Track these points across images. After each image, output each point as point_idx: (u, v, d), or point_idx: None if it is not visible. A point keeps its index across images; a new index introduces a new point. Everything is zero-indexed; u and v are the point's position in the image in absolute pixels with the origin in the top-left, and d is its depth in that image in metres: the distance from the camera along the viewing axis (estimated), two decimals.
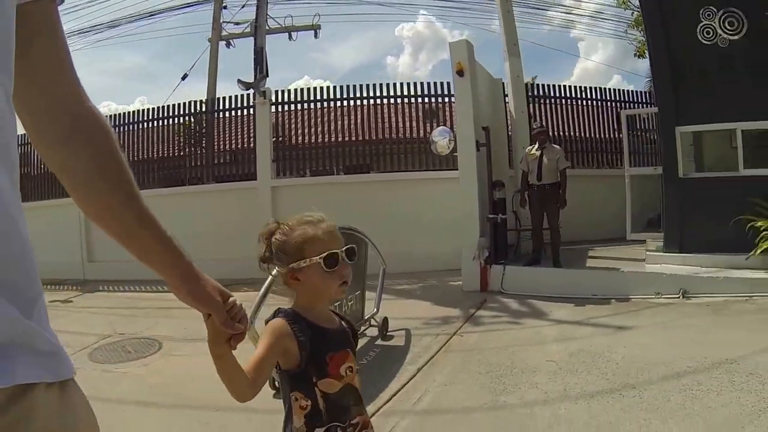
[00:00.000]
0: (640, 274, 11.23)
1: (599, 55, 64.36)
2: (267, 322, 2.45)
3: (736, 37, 11.93)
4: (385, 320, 8.82)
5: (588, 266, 12.56)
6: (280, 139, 17.54)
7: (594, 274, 11.68)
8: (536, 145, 12.39)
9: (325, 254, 2.38)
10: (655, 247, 12.22)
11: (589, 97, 19.03)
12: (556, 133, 17.64)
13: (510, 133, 16.03)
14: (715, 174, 12.15)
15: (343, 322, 2.65)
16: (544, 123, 15.40)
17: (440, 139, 12.03)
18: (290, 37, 20.74)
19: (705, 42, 12.09)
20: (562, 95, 18.83)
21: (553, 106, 18.50)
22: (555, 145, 12.99)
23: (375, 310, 8.91)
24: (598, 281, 11.14)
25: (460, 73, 12.59)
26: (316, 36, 20.98)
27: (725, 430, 5.06)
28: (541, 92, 18.31)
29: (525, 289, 11.13)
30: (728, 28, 11.95)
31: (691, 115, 11.92)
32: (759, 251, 10.10)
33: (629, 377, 6.44)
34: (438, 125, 14.98)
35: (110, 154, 1.66)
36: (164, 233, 1.74)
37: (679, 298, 10.05)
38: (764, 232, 10.23)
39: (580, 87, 18.73)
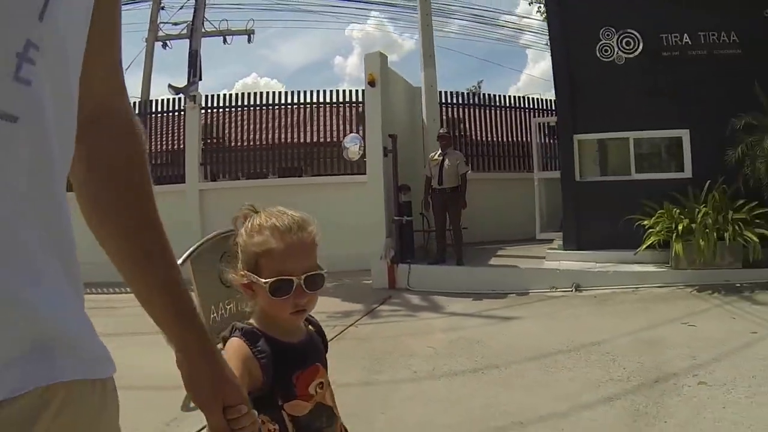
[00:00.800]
0: (539, 270, 11.99)
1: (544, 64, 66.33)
2: (224, 340, 2.13)
3: (631, 56, 13.02)
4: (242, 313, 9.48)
5: (491, 264, 13.14)
6: (214, 141, 17.85)
7: (495, 271, 12.35)
8: (439, 151, 13.01)
9: (272, 280, 2.00)
10: (557, 246, 13.09)
11: (502, 104, 19.88)
12: (471, 138, 18.62)
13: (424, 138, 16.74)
14: (610, 178, 13.18)
15: (311, 327, 2.34)
16: (460, 129, 16.17)
17: (351, 145, 12.58)
18: (225, 41, 21.04)
19: (603, 59, 13.13)
20: (476, 102, 19.72)
21: (467, 113, 19.29)
22: (456, 151, 13.66)
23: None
24: (499, 278, 11.82)
25: (371, 83, 13.24)
26: (249, 41, 21.23)
27: (564, 398, 5.80)
28: (455, 100, 19.06)
29: (429, 286, 11.70)
30: (625, 47, 13.04)
31: (587, 124, 12.89)
32: (644, 247, 11.13)
33: (497, 359, 7.13)
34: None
35: (132, 166, 1.45)
36: (181, 297, 1.48)
37: (571, 291, 10.88)
38: (650, 230, 11.24)
39: (493, 95, 19.61)
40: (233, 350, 2.02)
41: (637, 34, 13.11)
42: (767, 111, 11.23)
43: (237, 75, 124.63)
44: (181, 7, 21.28)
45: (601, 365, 6.72)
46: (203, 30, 18.69)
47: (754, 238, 10.58)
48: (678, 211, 11.44)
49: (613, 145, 13.77)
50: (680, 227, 11.01)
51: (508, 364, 6.87)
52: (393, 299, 11.26)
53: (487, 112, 19.62)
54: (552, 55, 14.26)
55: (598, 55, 13.22)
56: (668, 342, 7.52)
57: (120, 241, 1.40)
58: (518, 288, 11.29)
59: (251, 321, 2.13)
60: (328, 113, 17.96)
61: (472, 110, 19.61)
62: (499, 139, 19.55)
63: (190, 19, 18.42)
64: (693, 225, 11.01)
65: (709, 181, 11.83)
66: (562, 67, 13.70)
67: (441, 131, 13.82)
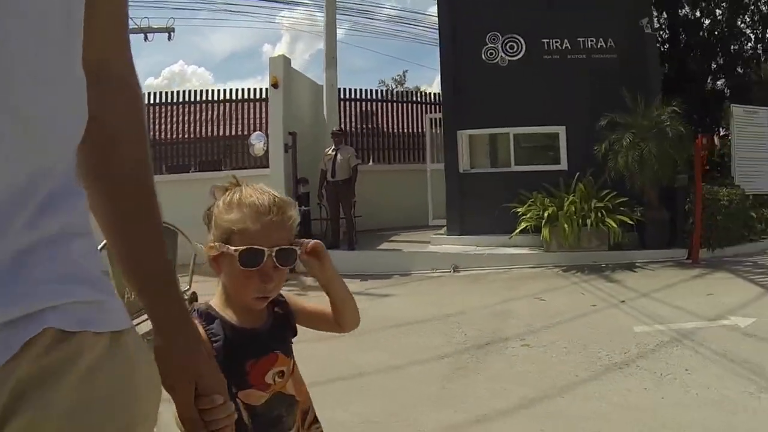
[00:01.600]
0: (422, 254, 12.87)
1: None
2: None
3: (515, 59, 14.00)
4: (194, 294, 10.30)
5: (380, 248, 13.95)
6: None
7: (383, 255, 13.22)
8: (333, 146, 13.81)
9: (243, 248, 1.86)
10: (443, 231, 13.98)
11: (400, 100, 21.08)
12: (369, 131, 19.81)
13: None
14: (491, 170, 14.28)
15: (277, 308, 2.14)
16: (368, 123, 16.99)
17: (256, 142, 13.21)
18: (146, 38, 21.41)
19: (488, 61, 14.08)
20: (374, 98, 20.64)
21: (366, 108, 20.30)
22: (348, 147, 14.47)
23: (188, 287, 10.39)
24: (386, 260, 12.66)
25: (274, 85, 13.89)
26: (169, 38, 21.51)
27: (403, 356, 6.64)
28: (355, 96, 19.95)
29: None
30: (509, 50, 14.00)
31: (471, 120, 13.79)
32: (517, 231, 12.15)
33: (361, 328, 7.92)
34: None
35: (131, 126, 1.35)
36: (156, 264, 1.38)
37: (450, 272, 11.75)
38: (523, 216, 12.25)
39: (391, 91, 20.65)
40: None
41: (521, 39, 14.04)
42: (631, 110, 12.23)
43: (163, 63, 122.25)
44: None
45: (447, 332, 7.51)
46: None
47: (613, 224, 11.67)
48: (548, 199, 12.47)
49: (495, 139, 14.76)
50: (546, 214, 12.03)
51: (369, 332, 7.52)
52: (290, 281, 11.80)
53: (383, 107, 20.71)
54: (441, 56, 15.07)
55: (484, 57, 14.14)
56: (515, 313, 8.39)
57: (106, 202, 1.32)
58: (402, 269, 12.08)
59: (210, 302, 2.02)
60: (246, 109, 18.69)
61: (374, 105, 20.56)
62: (401, 131, 20.54)
63: None
64: (559, 212, 12.04)
65: (578, 173, 12.87)
66: (450, 67, 14.61)
67: (334, 129, 14.57)
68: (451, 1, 14.82)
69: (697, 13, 21.45)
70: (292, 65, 15.39)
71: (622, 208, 12.28)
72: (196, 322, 1.76)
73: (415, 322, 8.10)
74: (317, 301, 2.30)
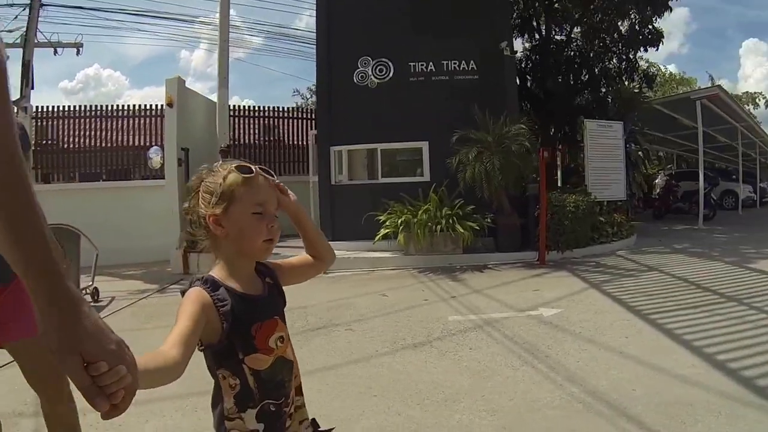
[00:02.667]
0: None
1: None
2: (183, 293, 2.04)
3: (384, 80, 15.04)
4: (96, 290, 10.86)
5: None
6: (48, 142, 18.90)
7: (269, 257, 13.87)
8: (220, 161, 14.53)
9: (257, 197, 2.09)
10: None
11: (288, 115, 22.33)
12: (269, 143, 21.13)
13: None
14: (360, 182, 15.27)
15: (268, 279, 2.26)
16: (260, 138, 17.89)
17: (154, 156, 14.04)
18: (55, 53, 21.85)
19: (359, 84, 15.12)
20: (264, 115, 21.94)
21: (256, 123, 21.62)
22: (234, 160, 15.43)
23: (91, 283, 11.05)
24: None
25: (169, 105, 14.75)
26: (78, 53, 22.02)
27: None
28: (246, 112, 21.44)
29: None
30: (378, 73, 15.03)
31: (343, 137, 14.78)
32: (379, 237, 13.18)
33: None
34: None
35: None
36: (25, 238, 1.33)
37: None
38: (383, 224, 13.31)
39: (281, 107, 21.82)
40: (192, 296, 1.96)
41: (390, 63, 15.12)
42: (480, 126, 13.31)
43: (78, 65, 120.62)
44: (15, 17, 21.88)
45: (293, 319, 8.14)
46: (36, 41, 19.55)
47: (461, 230, 12.75)
48: (405, 208, 13.52)
49: (364, 154, 15.74)
50: (399, 222, 13.11)
51: None
52: (183, 280, 12.46)
53: (271, 122, 22.09)
54: (317, 78, 16.08)
55: (355, 80, 15.18)
56: (355, 306, 9.32)
57: None
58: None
59: (211, 273, 2.09)
60: (154, 121, 19.18)
61: (274, 120, 22.00)
62: (298, 144, 21.68)
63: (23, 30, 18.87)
64: (413, 219, 13.08)
65: (435, 184, 13.96)
66: (324, 88, 15.69)
67: (222, 146, 15.14)
68: (327, 28, 15.73)
69: (563, 35, 23.17)
70: (209, 71, 16.18)
71: (474, 215, 13.29)
72: (201, 288, 1.97)
73: None
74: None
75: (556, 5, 22.77)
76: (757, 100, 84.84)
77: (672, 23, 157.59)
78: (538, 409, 4.93)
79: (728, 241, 17.15)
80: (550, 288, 10.17)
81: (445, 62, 15.26)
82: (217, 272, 2.09)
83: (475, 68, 15.30)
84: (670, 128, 29.00)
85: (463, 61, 15.27)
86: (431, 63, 15.27)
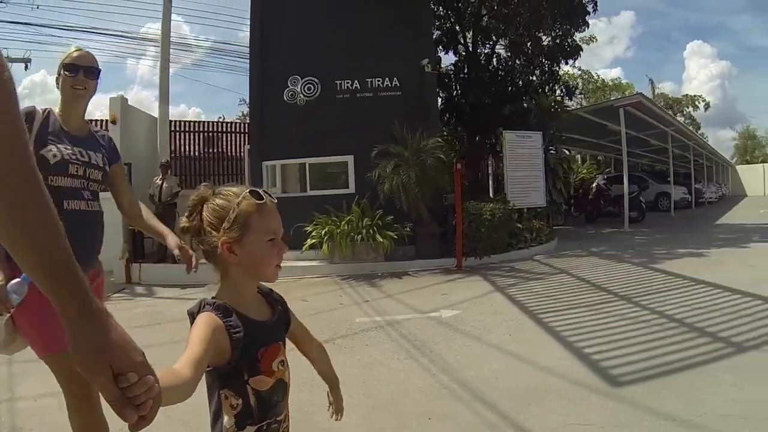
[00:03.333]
0: None
1: None
2: (191, 314, 2.07)
3: (312, 98, 15.71)
4: None
5: (201, 262, 14.75)
6: None
7: (202, 267, 14.00)
8: (160, 175, 15.24)
9: (272, 225, 2.15)
10: None
11: (228, 129, 23.11)
12: (197, 156, 21.61)
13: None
14: (291, 194, 15.84)
15: (276, 305, 2.34)
16: (203, 150, 18.40)
17: None
18: None
19: (289, 101, 15.78)
20: (205, 129, 22.64)
21: (198, 137, 22.13)
22: (173, 176, 15.97)
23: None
24: (204, 271, 13.53)
25: (113, 122, 15.37)
26: (26, 68, 22.39)
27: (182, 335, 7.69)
28: (187, 127, 21.99)
29: (156, 279, 13.61)
30: (307, 91, 15.71)
31: (274, 152, 15.38)
32: (306, 247, 13.74)
33: (160, 318, 9.65)
34: None
35: None
36: (52, 251, 1.33)
37: None
38: (311, 234, 13.87)
39: (222, 121, 22.51)
40: (204, 320, 1.96)
41: (317, 81, 15.76)
42: (399, 141, 14.00)
43: (26, 72, 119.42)
44: None
45: None
46: None
47: (381, 239, 13.38)
48: (330, 220, 14.12)
49: (295, 168, 16.43)
50: (323, 232, 13.72)
51: (166, 322, 9.26)
52: (125, 290, 13.10)
53: (210, 136, 22.68)
54: (249, 95, 16.81)
55: (285, 98, 15.81)
56: None
57: None
58: (216, 281, 13.17)
59: (218, 297, 2.12)
60: None
61: (215, 134, 22.58)
62: (239, 156, 22.04)
63: None
64: (336, 230, 13.68)
65: (358, 196, 14.58)
66: (257, 105, 16.32)
67: (162, 161, 15.87)
68: (260, 48, 16.40)
69: (487, 49, 24.12)
70: (155, 79, 16.68)
71: (394, 225, 13.91)
72: (213, 313, 1.97)
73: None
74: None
75: (483, 21, 23.62)
76: (696, 103, 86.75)
77: (618, 27, 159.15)
78: (408, 394, 5.54)
79: (645, 242, 17.98)
80: (458, 292, 10.77)
81: (369, 80, 15.93)
82: (225, 296, 2.13)
83: (398, 85, 15.98)
84: (604, 134, 30.05)
85: (387, 79, 15.95)
86: (356, 81, 15.93)
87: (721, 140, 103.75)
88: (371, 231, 13.71)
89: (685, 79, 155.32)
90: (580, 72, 46.50)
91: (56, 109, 3.63)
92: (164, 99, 17.18)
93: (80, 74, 3.56)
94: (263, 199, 2.10)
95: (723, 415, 4.67)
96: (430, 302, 9.95)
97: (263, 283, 2.33)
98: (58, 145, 3.45)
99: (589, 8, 22.99)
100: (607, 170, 45.46)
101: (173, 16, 18.04)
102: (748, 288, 9.57)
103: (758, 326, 7.37)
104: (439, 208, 14.51)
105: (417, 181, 13.60)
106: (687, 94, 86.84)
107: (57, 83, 3.65)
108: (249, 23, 17.16)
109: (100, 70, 3.72)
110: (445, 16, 23.88)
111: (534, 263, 14.16)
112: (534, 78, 24.33)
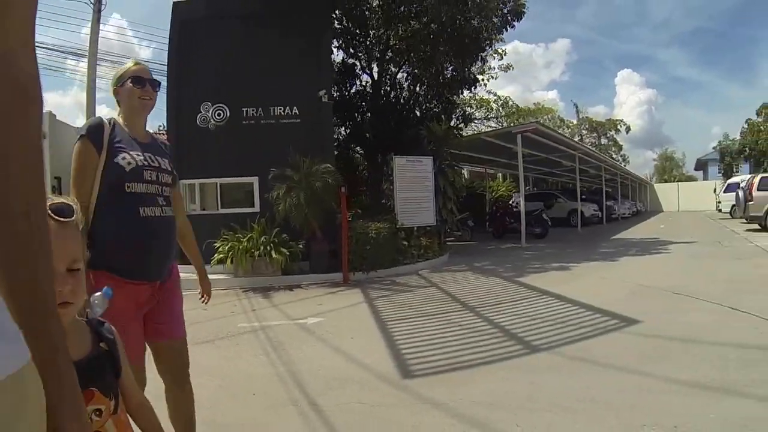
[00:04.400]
0: None
1: None
2: None
3: (221, 123, 16.93)
4: None
5: None
6: None
7: None
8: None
9: None
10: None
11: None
12: None
13: None
14: (204, 212, 16.96)
15: (102, 344, 2.01)
16: None
17: None
18: None
19: (201, 126, 16.95)
20: None
21: None
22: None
23: None
24: None
25: (42, 137, 16.33)
26: None
27: None
28: None
29: None
30: (217, 117, 16.93)
31: (189, 172, 16.11)
32: (214, 261, 14.68)
33: None
34: None
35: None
36: (34, 294, 1.24)
37: None
38: (218, 249, 15.00)
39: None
40: None
41: (226, 107, 16.97)
42: (292, 165, 15.28)
43: None
44: None
45: None
46: None
47: (276, 255, 14.59)
48: (234, 236, 15.30)
49: (206, 188, 17.49)
50: (227, 248, 14.91)
51: None
52: None
53: None
54: (167, 118, 17.81)
55: (198, 122, 16.95)
56: None
57: None
58: None
59: None
60: None
61: None
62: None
63: None
64: (238, 246, 14.84)
65: (259, 215, 15.82)
66: (173, 127, 17.35)
67: None
68: (176, 74, 17.46)
69: (389, 80, 25.85)
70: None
71: (289, 242, 15.11)
72: None
73: None
74: None
75: (387, 54, 25.17)
76: (618, 126, 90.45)
77: (555, 53, 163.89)
78: (250, 379, 6.75)
79: (529, 258, 19.26)
80: (333, 302, 11.88)
81: (272, 107, 17.15)
82: None
83: (297, 113, 17.23)
84: (515, 155, 31.69)
85: (287, 107, 17.19)
86: (260, 108, 17.15)
87: (650, 160, 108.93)
88: (268, 248, 14.84)
89: (616, 104, 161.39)
90: (496, 97, 48.42)
91: (119, 120, 3.78)
92: (91, 113, 17.96)
93: (147, 86, 3.76)
94: (59, 217, 1.82)
95: (473, 402, 5.57)
96: (305, 311, 10.94)
97: (95, 315, 2.18)
98: (131, 152, 3.58)
99: (485, 45, 24.64)
100: (527, 188, 47.37)
101: (104, 32, 19.05)
102: (582, 298, 10.83)
103: (561, 331, 8.47)
104: (331, 227, 15.59)
105: (306, 202, 14.79)
106: (610, 119, 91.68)
107: (116, 95, 3.83)
108: (167, 51, 18.12)
109: (160, 83, 3.93)
110: (353, 46, 25.38)
111: (415, 277, 15.29)
112: (432, 106, 25.81)
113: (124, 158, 3.51)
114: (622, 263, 17.08)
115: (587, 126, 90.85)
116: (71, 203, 1.92)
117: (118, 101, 3.85)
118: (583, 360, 6.93)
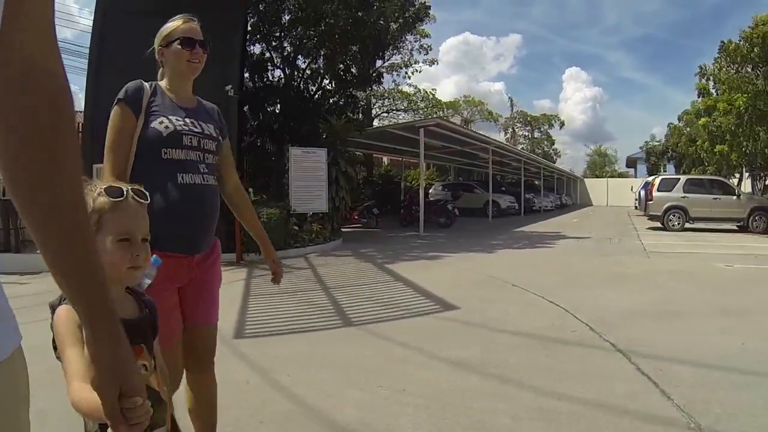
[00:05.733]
0: None
1: None
2: (52, 307, 1.94)
3: None
4: None
5: (36, 252, 16.27)
6: None
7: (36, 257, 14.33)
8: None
9: (120, 233, 2.00)
10: None
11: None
12: None
13: None
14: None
15: (145, 308, 2.22)
16: None
17: None
18: None
19: None
20: None
21: None
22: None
23: None
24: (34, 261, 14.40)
25: None
26: None
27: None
28: None
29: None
30: None
31: (102, 158, 17.07)
32: None
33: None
34: None
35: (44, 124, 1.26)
36: (86, 267, 1.34)
37: None
38: None
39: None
40: (65, 317, 1.86)
41: None
42: None
43: None
44: None
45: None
46: None
47: None
48: None
49: None
50: None
51: None
52: None
53: None
54: (84, 105, 18.86)
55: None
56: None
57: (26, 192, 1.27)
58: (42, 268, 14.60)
59: None
60: None
61: None
62: None
63: None
64: None
65: None
66: (89, 116, 18.41)
67: None
68: (96, 63, 18.73)
69: (297, 75, 27.51)
70: None
71: None
72: (70, 309, 1.80)
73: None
74: None
75: (301, 51, 26.61)
76: (552, 122, 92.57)
77: (505, 47, 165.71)
78: None
79: (417, 246, 20.64)
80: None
81: None
82: None
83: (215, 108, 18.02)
84: (430, 147, 33.23)
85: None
86: None
87: (601, 154, 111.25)
88: None
89: (561, 99, 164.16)
90: (416, 90, 50.54)
91: (162, 83, 3.65)
92: None
93: (197, 47, 3.61)
94: (120, 197, 2.02)
95: (274, 357, 6.72)
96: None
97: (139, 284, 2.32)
98: (170, 117, 3.42)
99: (389, 45, 26.94)
100: (447, 178, 48.91)
101: None
102: (427, 285, 11.79)
103: (383, 312, 9.48)
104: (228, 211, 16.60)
105: None
106: (545, 114, 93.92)
107: (161, 56, 3.68)
108: (90, 38, 19.02)
109: (210, 43, 3.68)
110: (267, 41, 26.82)
111: (301, 260, 16.25)
112: (337, 100, 27.31)
113: (161, 122, 3.40)
114: (497, 255, 18.07)
115: (521, 120, 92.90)
116: (143, 190, 2.14)
117: (161, 62, 3.72)
118: (378, 335, 7.95)
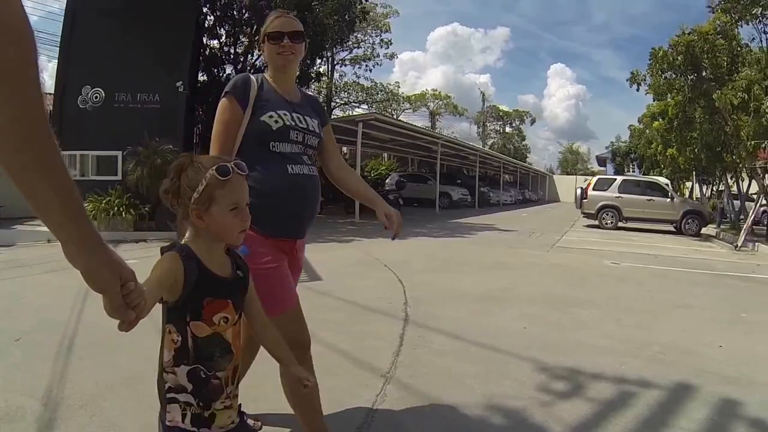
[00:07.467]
0: (35, 232, 16.23)
1: None
2: (162, 251, 2.34)
3: (97, 105, 20.46)
4: None
5: (15, 227, 17.48)
6: None
7: (14, 233, 16.84)
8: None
9: (231, 204, 2.35)
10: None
11: None
12: None
13: None
14: (82, 178, 19.53)
15: (238, 270, 2.55)
16: None
17: None
18: None
19: (81, 105, 20.33)
20: None
21: None
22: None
23: None
24: (12, 235, 16.64)
25: None
26: None
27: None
28: None
29: None
30: (94, 99, 20.45)
31: (71, 145, 18.88)
32: None
33: None
34: None
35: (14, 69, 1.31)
36: (66, 187, 1.49)
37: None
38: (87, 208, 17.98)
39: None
40: (170, 258, 2.26)
41: (102, 91, 20.39)
42: (144, 144, 18.73)
43: None
44: None
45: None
46: None
47: (125, 215, 18.29)
48: (98, 199, 18.57)
49: (84, 158, 20.60)
50: (90, 208, 17.95)
51: None
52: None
53: None
54: (53, 95, 20.56)
55: (78, 103, 20.31)
56: (47, 258, 12.48)
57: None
58: (24, 240, 15.91)
59: (189, 244, 2.40)
60: None
61: None
62: None
63: None
64: (100, 206, 18.19)
65: (118, 183, 19.19)
66: (58, 105, 20.36)
67: None
68: (65, 57, 20.72)
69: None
70: None
71: (137, 205, 18.69)
72: (178, 254, 2.28)
73: None
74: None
75: (253, 47, 28.15)
76: (524, 117, 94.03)
77: (493, 39, 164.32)
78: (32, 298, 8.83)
79: (343, 231, 22.65)
80: (157, 252, 14.84)
81: (138, 94, 20.64)
82: (194, 245, 2.37)
83: (158, 100, 20.67)
84: (384, 140, 36.14)
85: (150, 94, 20.67)
86: (129, 94, 20.60)
87: (573, 152, 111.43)
88: (120, 209, 18.29)
89: (545, 95, 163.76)
90: (372, 83, 54.89)
91: (268, 77, 3.71)
92: None
93: (285, 40, 3.61)
94: (228, 174, 2.32)
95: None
96: (131, 255, 12.60)
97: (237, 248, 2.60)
98: (278, 111, 3.50)
99: (335, 43, 29.37)
100: (406, 169, 50.83)
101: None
102: (310, 264, 12.59)
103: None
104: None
105: (149, 175, 18.15)
106: (516, 109, 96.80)
107: (262, 51, 3.74)
108: (60, 34, 21.14)
109: (303, 32, 3.69)
110: (218, 36, 28.71)
111: None
112: None
113: (271, 117, 3.47)
114: (405, 242, 18.62)
115: (493, 114, 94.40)
116: (242, 162, 2.45)
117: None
118: None
